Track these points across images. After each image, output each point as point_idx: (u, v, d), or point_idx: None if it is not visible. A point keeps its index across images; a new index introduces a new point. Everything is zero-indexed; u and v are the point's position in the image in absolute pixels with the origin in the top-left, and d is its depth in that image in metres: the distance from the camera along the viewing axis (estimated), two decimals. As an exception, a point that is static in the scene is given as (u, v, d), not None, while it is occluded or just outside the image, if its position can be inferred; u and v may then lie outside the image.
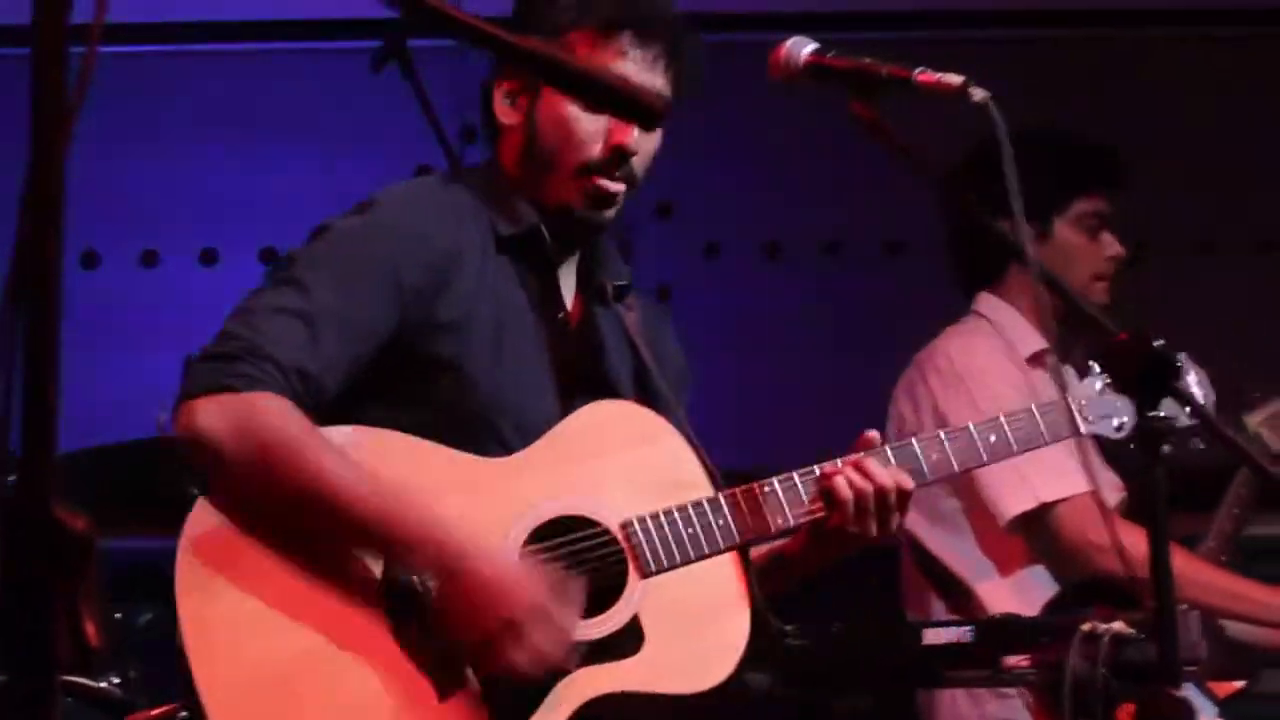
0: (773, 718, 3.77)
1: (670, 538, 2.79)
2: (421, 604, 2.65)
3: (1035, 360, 3.99)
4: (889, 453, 2.90)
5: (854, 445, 2.91)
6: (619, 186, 2.91)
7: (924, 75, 2.74)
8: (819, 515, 2.86)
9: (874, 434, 2.92)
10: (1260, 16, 6.28)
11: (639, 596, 2.76)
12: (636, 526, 2.78)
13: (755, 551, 2.99)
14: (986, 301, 4.14)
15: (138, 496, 5.19)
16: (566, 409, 2.87)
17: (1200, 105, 6.21)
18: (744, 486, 2.85)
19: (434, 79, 5.08)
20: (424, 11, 1.84)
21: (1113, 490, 4.04)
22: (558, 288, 2.97)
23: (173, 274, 6.43)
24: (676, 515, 2.81)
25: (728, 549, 2.83)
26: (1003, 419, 3.01)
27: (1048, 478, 3.92)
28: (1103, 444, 4.00)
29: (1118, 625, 3.24)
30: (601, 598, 2.75)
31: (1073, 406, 3.06)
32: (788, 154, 6.26)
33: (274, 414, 2.66)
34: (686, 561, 2.79)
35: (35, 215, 1.45)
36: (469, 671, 2.65)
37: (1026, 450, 3.04)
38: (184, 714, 2.78)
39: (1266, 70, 6.19)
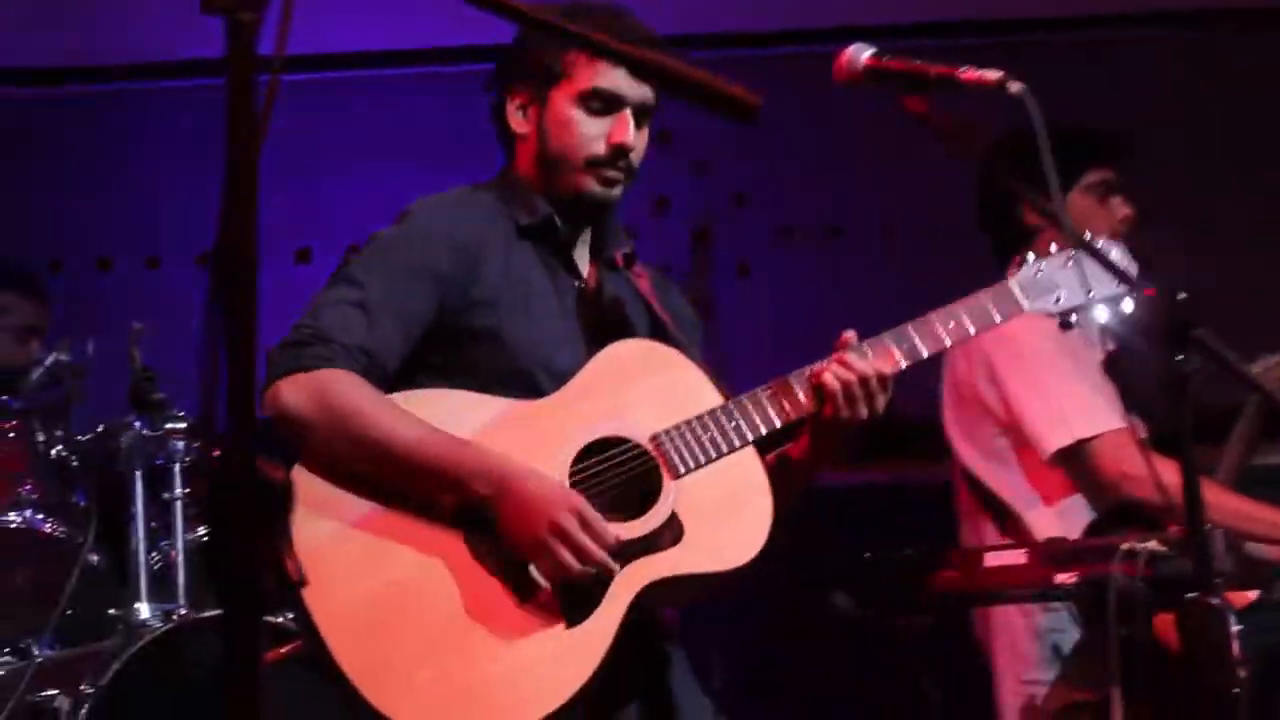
0: (848, 635, 3.81)
1: (694, 442, 2.87)
2: (489, 521, 2.76)
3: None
4: (866, 347, 2.95)
5: (835, 345, 2.96)
6: (620, 175, 3.02)
7: (968, 73, 2.74)
8: (814, 409, 2.92)
9: (850, 334, 2.98)
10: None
11: (674, 496, 2.84)
12: (664, 437, 2.87)
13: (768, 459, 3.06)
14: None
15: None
16: (585, 361, 2.97)
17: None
18: (749, 392, 2.93)
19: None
20: (533, 22, 1.84)
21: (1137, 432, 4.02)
22: (573, 261, 3.08)
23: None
24: (696, 423, 2.89)
25: (743, 445, 2.90)
26: (959, 307, 3.02)
27: (1084, 416, 3.92)
28: (1125, 389, 4.00)
29: (1153, 544, 3.24)
30: (643, 502, 2.84)
31: (1015, 288, 3.06)
32: (846, 148, 6.26)
33: (346, 385, 2.78)
34: (710, 460, 2.87)
35: (232, 220, 1.49)
36: (539, 577, 2.76)
37: (983, 329, 3.03)
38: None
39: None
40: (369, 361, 2.83)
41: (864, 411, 2.91)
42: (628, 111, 3.00)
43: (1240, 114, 6.27)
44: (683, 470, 2.86)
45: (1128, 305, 3.02)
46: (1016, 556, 3.41)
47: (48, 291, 5.54)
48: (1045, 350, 3.89)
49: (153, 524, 4.35)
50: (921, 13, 6.35)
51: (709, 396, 2.96)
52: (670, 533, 2.83)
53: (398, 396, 2.85)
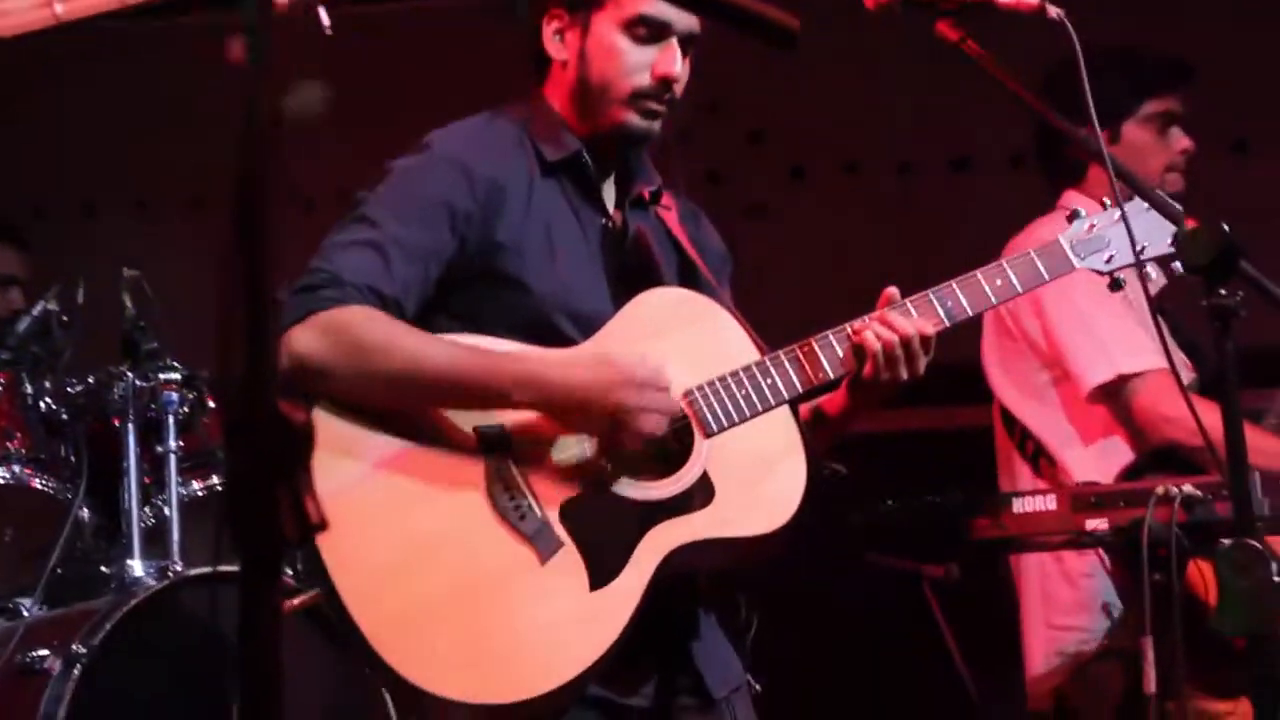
0: (880, 583, 3.81)
1: (727, 399, 2.83)
2: (516, 443, 2.75)
3: None
4: (909, 305, 2.93)
5: (878, 303, 2.94)
6: (663, 108, 2.95)
7: None
8: (853, 368, 2.90)
9: (893, 290, 2.95)
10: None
11: (706, 454, 2.81)
12: (696, 394, 2.82)
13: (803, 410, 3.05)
14: (1071, 198, 4.13)
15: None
16: (619, 304, 2.91)
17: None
18: (786, 348, 2.90)
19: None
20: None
21: (1185, 370, 4.03)
22: (601, 200, 3.01)
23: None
24: (730, 380, 2.85)
25: (778, 404, 2.87)
26: (1005, 263, 3.02)
27: (1128, 352, 3.93)
28: (1174, 328, 4.01)
29: (1188, 488, 3.25)
30: (672, 460, 2.81)
31: (1065, 246, 3.06)
32: (864, 85, 6.25)
33: (361, 317, 2.73)
34: (743, 419, 2.84)
35: (253, 159, 1.49)
36: (563, 533, 2.72)
37: (1031, 289, 3.04)
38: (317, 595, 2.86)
39: None
40: (383, 304, 2.76)
41: (904, 372, 2.88)
42: (674, 40, 2.92)
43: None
44: (715, 429, 2.82)
45: (1179, 266, 3.03)
46: (1047, 502, 3.43)
47: (27, 240, 5.54)
48: (1093, 285, 3.91)
49: (146, 479, 4.34)
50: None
51: (744, 349, 2.92)
52: (701, 494, 2.80)
53: None
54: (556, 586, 2.70)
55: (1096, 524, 3.39)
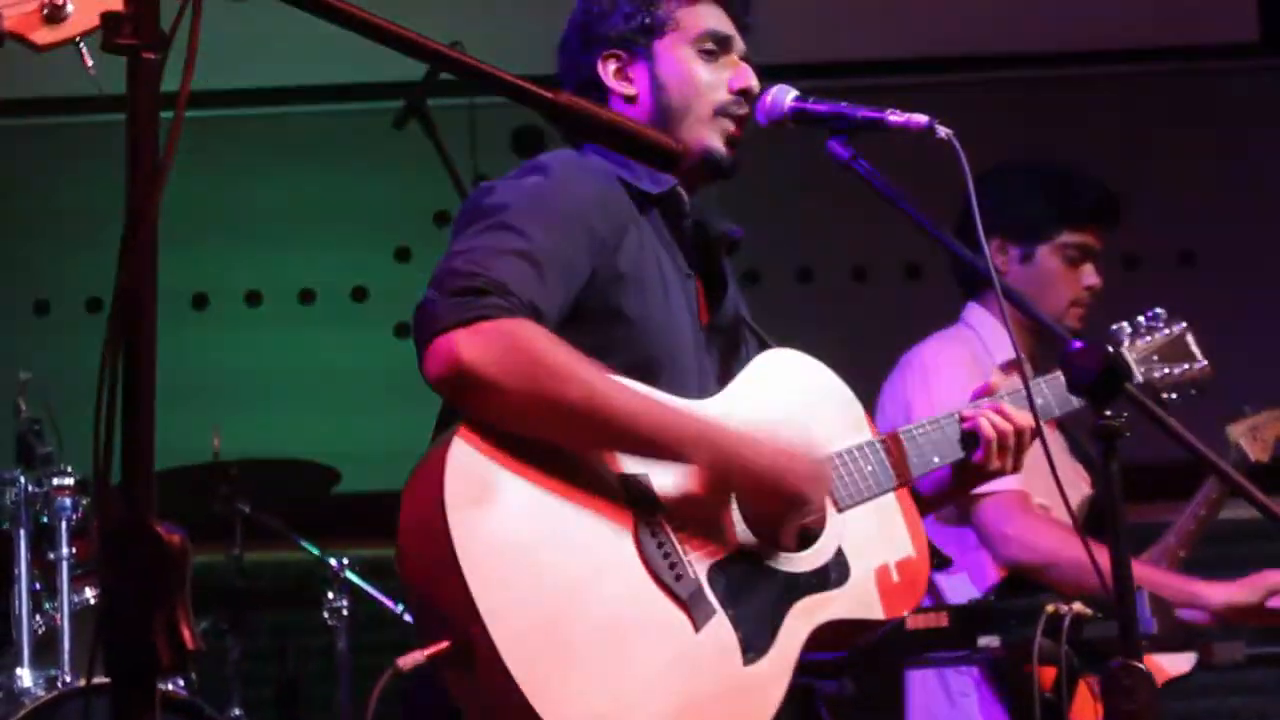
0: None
1: (855, 474, 2.78)
2: (673, 502, 2.59)
3: (1009, 367, 3.99)
4: (1007, 398, 2.95)
5: (976, 393, 2.96)
6: (739, 130, 2.89)
7: (895, 116, 2.76)
8: (962, 455, 2.90)
9: (996, 379, 2.97)
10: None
11: (838, 529, 2.74)
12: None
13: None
14: (973, 312, 4.15)
15: (193, 515, 5.22)
16: (703, 356, 2.82)
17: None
18: (904, 428, 2.89)
19: (450, 133, 5.15)
20: (458, 66, 1.83)
21: (1081, 484, 4.05)
22: (688, 241, 2.91)
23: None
24: (857, 453, 2.80)
25: (898, 486, 2.85)
26: (1042, 384, 3.07)
27: None
28: (1072, 443, 4.03)
29: (1077, 606, 3.25)
30: (806, 533, 2.73)
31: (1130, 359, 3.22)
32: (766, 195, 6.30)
33: (538, 336, 2.50)
34: (871, 496, 2.79)
35: (132, 264, 1.46)
36: (715, 600, 2.57)
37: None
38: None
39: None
40: (541, 322, 2.53)
41: (1010, 464, 2.89)
42: (736, 55, 2.90)
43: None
44: (846, 503, 2.76)
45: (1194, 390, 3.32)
46: (939, 619, 3.42)
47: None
48: (952, 399, 3.93)
49: (36, 586, 4.26)
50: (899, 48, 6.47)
51: (860, 419, 2.88)
52: (836, 570, 2.71)
53: None
54: (711, 658, 2.54)
55: (987, 641, 3.38)
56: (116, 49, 1.52)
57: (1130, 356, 3.19)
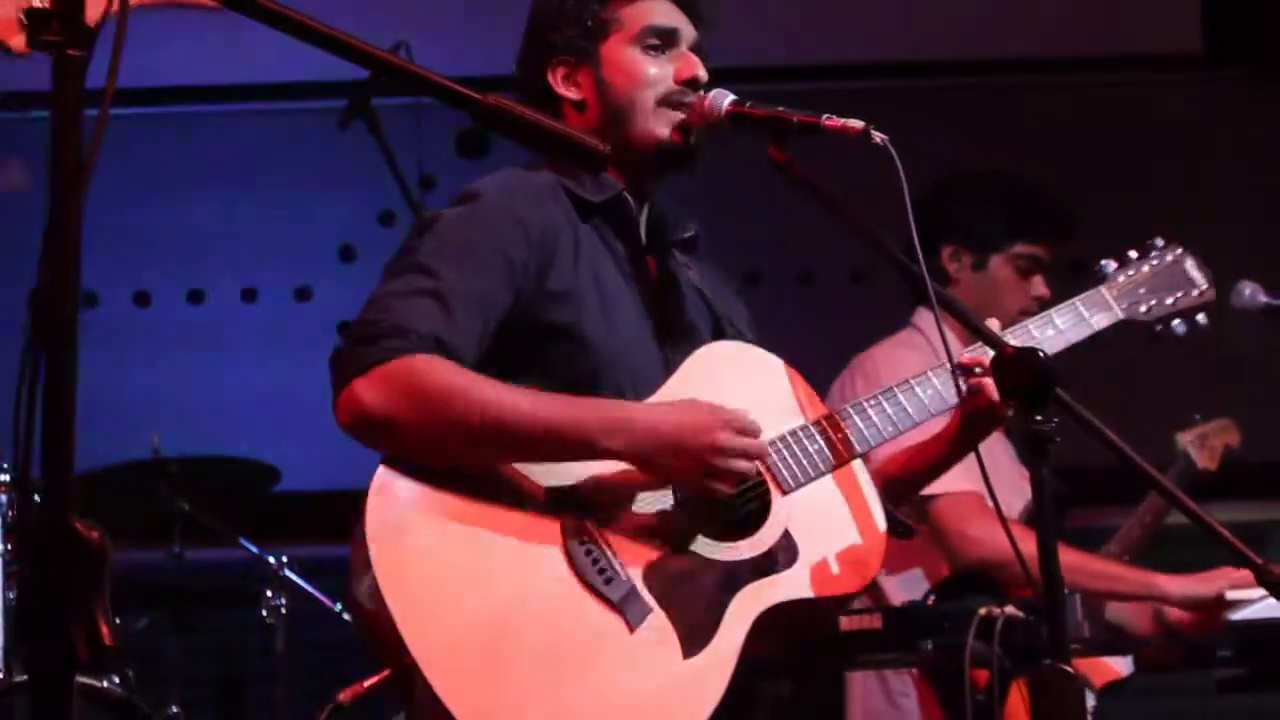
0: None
1: (800, 455, 2.77)
2: (591, 503, 2.62)
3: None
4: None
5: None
6: (689, 116, 2.87)
7: (830, 120, 2.76)
8: (963, 398, 2.86)
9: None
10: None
11: (786, 512, 2.73)
12: (769, 449, 2.74)
13: (897, 458, 3.04)
14: (921, 316, 4.18)
15: (133, 512, 5.19)
16: (666, 358, 2.83)
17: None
18: (853, 402, 2.87)
19: (395, 133, 5.14)
20: (389, 69, 1.84)
21: (1024, 487, 4.08)
22: (640, 245, 2.93)
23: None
24: (801, 434, 2.78)
25: (852, 458, 2.83)
26: (1052, 312, 3.07)
27: None
28: (1019, 447, 4.05)
29: (1010, 609, 3.27)
30: (749, 519, 2.73)
31: (1108, 296, 3.14)
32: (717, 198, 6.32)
33: (429, 367, 2.58)
34: (819, 474, 2.78)
35: (54, 262, 1.46)
36: (650, 598, 2.60)
37: (1080, 339, 3.07)
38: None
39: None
40: (447, 354, 2.60)
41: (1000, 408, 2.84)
42: (685, 47, 2.90)
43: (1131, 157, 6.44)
44: (791, 485, 2.75)
45: (1202, 317, 3.17)
46: (873, 620, 3.44)
47: None
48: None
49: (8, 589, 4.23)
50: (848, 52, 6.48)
51: (807, 401, 2.86)
52: (784, 553, 2.71)
53: None
54: (648, 655, 2.57)
55: (920, 643, 3.40)
56: (42, 45, 1.51)
57: (1108, 294, 3.13)
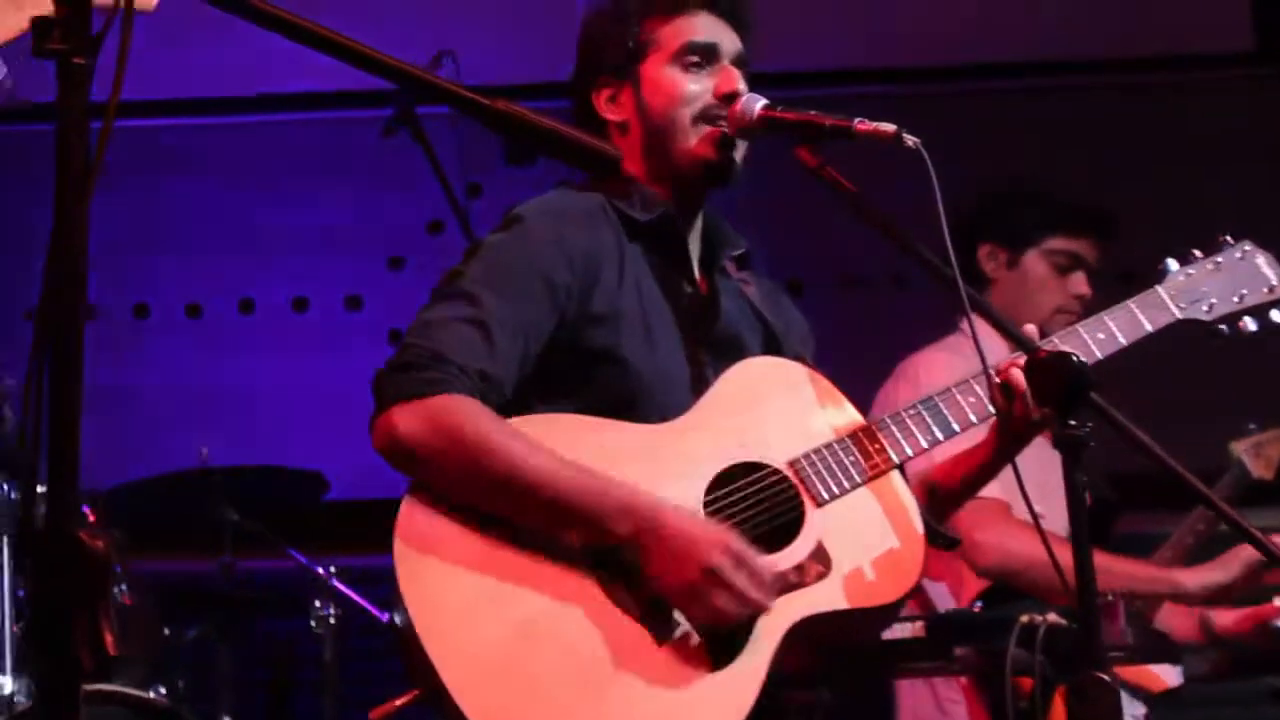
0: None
1: (835, 467, 2.77)
2: (625, 561, 2.63)
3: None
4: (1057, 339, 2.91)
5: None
6: (730, 130, 2.88)
7: (862, 125, 2.75)
8: (1004, 407, 2.82)
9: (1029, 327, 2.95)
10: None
11: (819, 524, 2.73)
12: (803, 462, 2.75)
13: (943, 466, 3.01)
14: (966, 320, 4.15)
15: (183, 523, 5.22)
16: (707, 377, 2.85)
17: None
18: (892, 413, 2.86)
19: (441, 142, 5.14)
20: (417, 84, 1.84)
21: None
22: (690, 265, 2.95)
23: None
24: (836, 446, 2.79)
25: (889, 469, 2.81)
26: (1105, 316, 3.00)
27: None
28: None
29: (1052, 616, 3.24)
30: (783, 532, 2.73)
31: (1164, 296, 3.05)
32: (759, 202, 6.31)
33: (464, 412, 2.63)
34: (854, 486, 2.77)
35: (58, 271, 1.46)
36: (679, 615, 2.62)
37: (1134, 340, 2.99)
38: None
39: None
40: (487, 386, 2.67)
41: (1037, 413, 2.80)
42: (726, 63, 2.91)
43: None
44: (825, 498, 2.75)
45: (1276, 314, 3.08)
46: (915, 629, 3.41)
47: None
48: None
49: (19, 591, 4.26)
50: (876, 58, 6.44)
51: (843, 415, 2.86)
52: (817, 566, 2.71)
53: (514, 422, 2.68)
54: (677, 670, 2.59)
55: (963, 651, 3.37)
56: (47, 54, 1.52)
57: (1165, 293, 3.06)
